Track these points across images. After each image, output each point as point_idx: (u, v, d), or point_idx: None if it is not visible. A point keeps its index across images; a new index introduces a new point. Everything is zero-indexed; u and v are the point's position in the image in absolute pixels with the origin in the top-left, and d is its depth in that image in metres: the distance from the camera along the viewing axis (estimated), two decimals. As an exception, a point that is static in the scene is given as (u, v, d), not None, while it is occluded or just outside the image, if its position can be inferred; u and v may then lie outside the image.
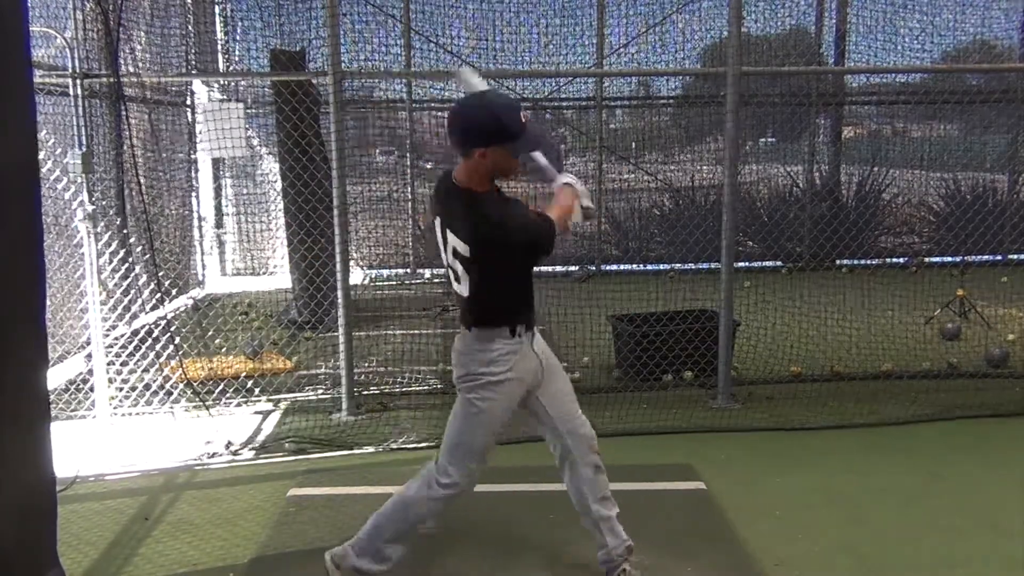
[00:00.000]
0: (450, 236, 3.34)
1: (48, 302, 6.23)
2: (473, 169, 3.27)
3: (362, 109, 10.99)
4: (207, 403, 6.01)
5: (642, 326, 6.65)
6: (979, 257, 8.83)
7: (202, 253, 10.37)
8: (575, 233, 11.30)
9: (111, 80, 6.27)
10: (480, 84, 3.58)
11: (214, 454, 5.34)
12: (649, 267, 10.96)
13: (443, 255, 3.43)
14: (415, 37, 10.44)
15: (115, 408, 5.93)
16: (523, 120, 3.25)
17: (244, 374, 6.56)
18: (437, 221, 3.43)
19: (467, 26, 10.49)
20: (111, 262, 6.28)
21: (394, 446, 5.40)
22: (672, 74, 12.01)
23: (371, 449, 5.39)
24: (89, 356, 5.99)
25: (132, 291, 6.48)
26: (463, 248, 3.28)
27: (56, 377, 6.35)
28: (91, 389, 5.92)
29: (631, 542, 3.68)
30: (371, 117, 11.19)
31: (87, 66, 6.34)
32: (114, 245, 6.38)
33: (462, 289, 3.39)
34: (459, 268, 3.35)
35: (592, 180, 11.54)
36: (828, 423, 5.70)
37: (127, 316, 6.38)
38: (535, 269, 3.48)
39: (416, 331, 7.38)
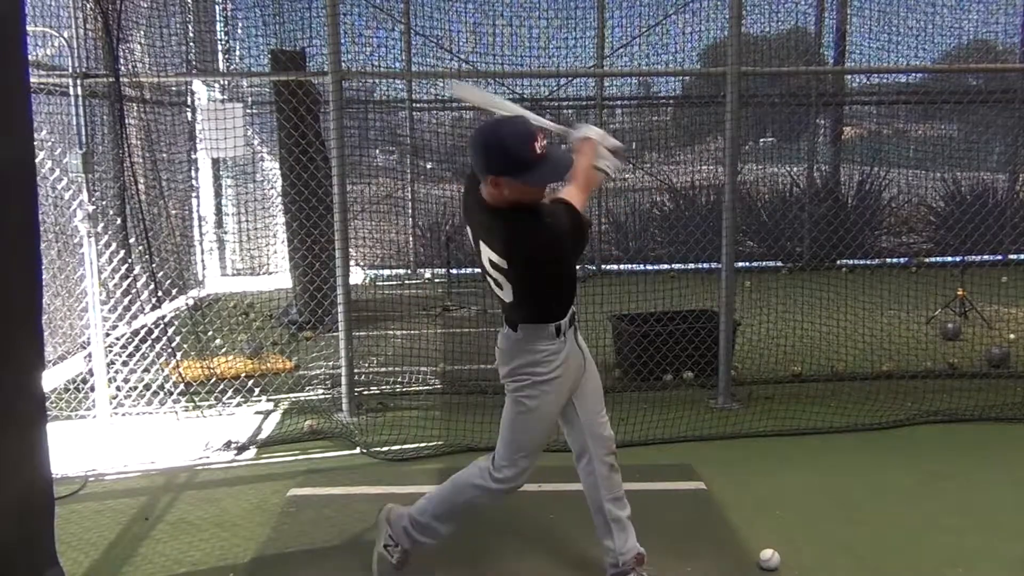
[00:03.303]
0: (483, 247, 3.29)
1: (48, 303, 6.25)
2: (492, 194, 3.18)
3: (362, 109, 10.98)
4: (199, 404, 6.01)
5: (643, 326, 6.65)
6: (979, 257, 8.82)
7: (202, 253, 10.37)
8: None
9: (111, 80, 6.27)
10: (494, 101, 3.50)
11: (214, 453, 5.34)
12: (649, 267, 10.95)
13: (479, 260, 3.38)
14: (415, 37, 10.43)
15: (115, 408, 5.93)
16: (537, 151, 3.06)
17: (244, 374, 6.56)
18: (468, 230, 3.42)
19: (467, 26, 10.48)
20: (111, 262, 6.28)
21: (376, 450, 5.37)
22: (672, 74, 11.98)
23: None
24: (89, 356, 5.99)
25: (132, 291, 6.48)
26: (499, 260, 3.23)
27: (56, 377, 6.35)
28: (91, 389, 5.91)
29: (643, 551, 3.64)
30: (372, 117, 11.18)
31: (87, 66, 6.33)
32: (114, 245, 6.38)
33: (504, 295, 3.34)
34: (498, 276, 3.29)
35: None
36: (828, 423, 5.70)
37: (127, 316, 6.38)
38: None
39: (416, 331, 7.37)
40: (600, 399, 3.62)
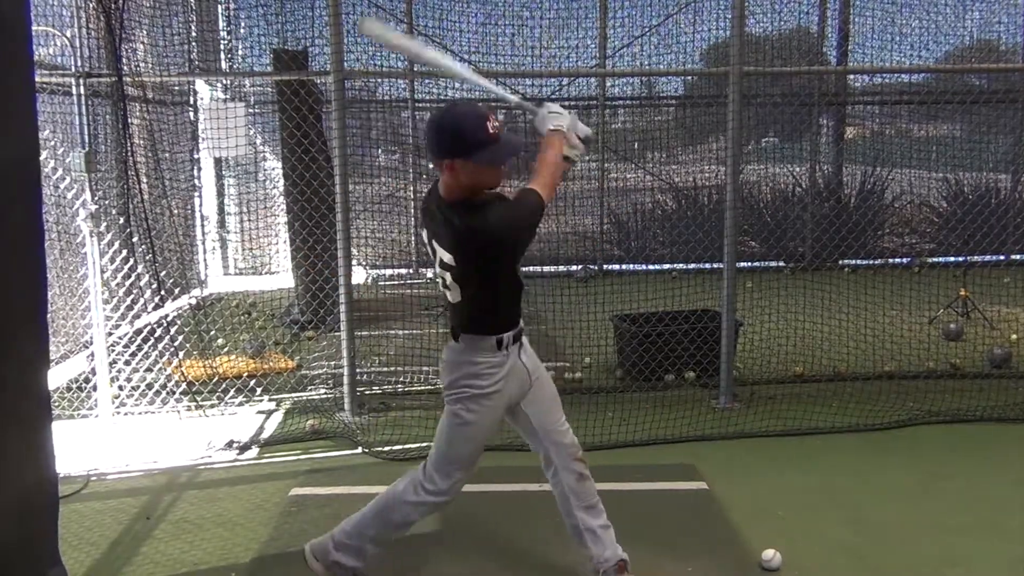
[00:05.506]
0: (436, 247, 3.28)
1: (50, 302, 6.26)
2: (448, 183, 3.18)
3: (365, 109, 10.99)
4: (201, 404, 6.02)
5: (644, 326, 6.65)
6: (982, 257, 8.81)
7: (204, 252, 10.38)
8: (576, 234, 11.29)
9: (113, 79, 6.27)
10: (423, 54, 3.48)
11: (216, 453, 5.34)
12: (651, 267, 10.95)
13: (434, 264, 3.37)
14: (417, 37, 10.43)
15: (117, 407, 5.94)
16: (490, 131, 3.09)
17: (246, 374, 6.57)
18: (424, 234, 3.39)
19: (470, 26, 10.48)
20: (113, 261, 6.29)
21: (378, 449, 5.37)
22: (674, 74, 11.98)
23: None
24: (91, 355, 6.00)
25: (134, 290, 6.48)
26: (448, 258, 3.23)
27: (59, 376, 6.36)
28: (94, 388, 5.92)
29: (625, 556, 3.60)
30: (374, 116, 11.18)
31: (89, 66, 6.34)
32: (117, 244, 6.38)
33: (452, 296, 3.34)
34: (447, 276, 3.29)
35: (594, 180, 11.54)
36: (830, 423, 5.69)
37: (129, 315, 6.38)
38: (529, 269, 3.39)
39: (418, 331, 7.37)
40: (557, 407, 3.56)
